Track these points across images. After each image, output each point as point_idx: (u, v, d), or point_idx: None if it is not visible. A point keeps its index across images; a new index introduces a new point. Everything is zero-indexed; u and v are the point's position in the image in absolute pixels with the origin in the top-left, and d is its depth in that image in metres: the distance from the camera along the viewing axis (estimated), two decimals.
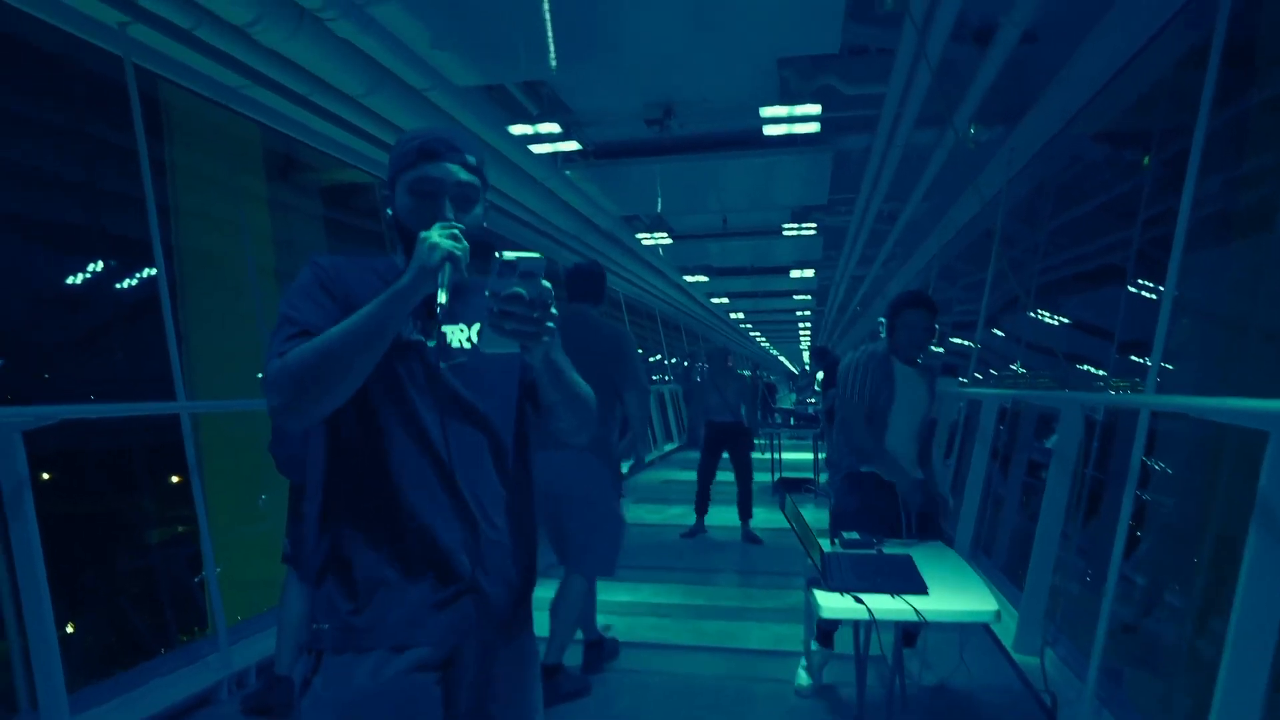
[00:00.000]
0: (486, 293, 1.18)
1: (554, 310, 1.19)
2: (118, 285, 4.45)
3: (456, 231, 1.26)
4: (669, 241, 11.04)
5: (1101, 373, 4.56)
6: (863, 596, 2.23)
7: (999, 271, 6.31)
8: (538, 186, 7.09)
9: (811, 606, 2.35)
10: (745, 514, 6.55)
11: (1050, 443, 4.84)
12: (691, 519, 6.81)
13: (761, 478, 7.90)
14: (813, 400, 14.32)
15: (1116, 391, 4.13)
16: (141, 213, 3.83)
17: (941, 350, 8.41)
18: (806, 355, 35.64)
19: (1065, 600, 3.72)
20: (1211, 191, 3.19)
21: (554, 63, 4.85)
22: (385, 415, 1.33)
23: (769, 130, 6.07)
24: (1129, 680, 3.19)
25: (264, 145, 5.20)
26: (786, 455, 10.09)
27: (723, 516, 6.82)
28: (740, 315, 25.39)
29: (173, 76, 4.18)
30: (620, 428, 3.56)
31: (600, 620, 3.80)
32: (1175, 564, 3.24)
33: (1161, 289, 3.29)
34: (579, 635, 3.55)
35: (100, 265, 4.26)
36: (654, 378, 15.53)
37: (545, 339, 1.20)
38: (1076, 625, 3.56)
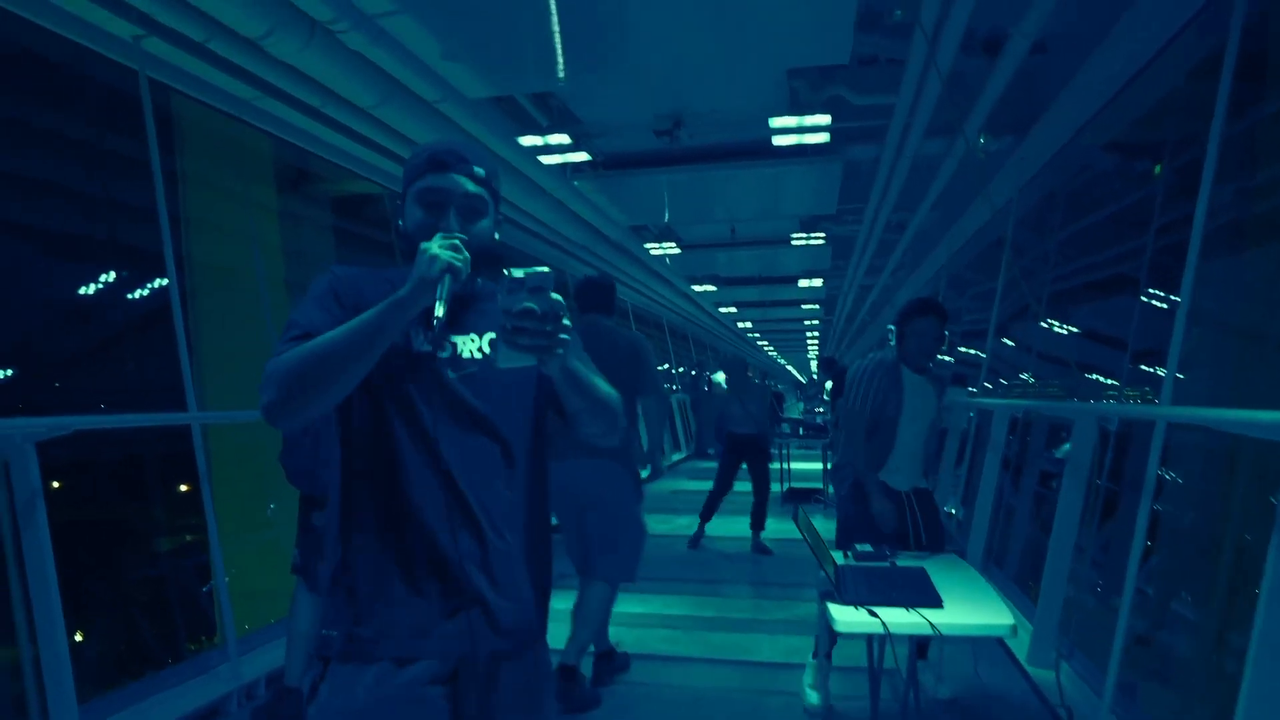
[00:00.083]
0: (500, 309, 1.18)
1: (566, 321, 1.19)
2: (129, 295, 4.47)
3: (458, 242, 1.27)
4: (677, 251, 11.05)
5: (1112, 382, 4.53)
6: (877, 610, 2.21)
7: (1009, 280, 6.28)
8: (547, 197, 7.11)
9: (825, 619, 2.33)
10: (758, 525, 6.49)
11: (1060, 452, 4.81)
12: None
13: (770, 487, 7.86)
14: (821, 410, 14.27)
15: (1130, 401, 4.10)
16: (153, 224, 3.85)
17: (951, 360, 8.38)
18: (815, 365, 35.56)
19: (1079, 613, 3.68)
20: (1224, 201, 3.18)
21: (564, 74, 4.86)
22: (395, 426, 1.34)
23: (778, 141, 6.07)
24: (1143, 694, 3.15)
25: (275, 156, 5.23)
26: (795, 465, 10.05)
27: (732, 527, 6.79)
28: (748, 324, 25.36)
29: (186, 89, 4.21)
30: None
31: (610, 633, 3.79)
32: (1189, 576, 3.21)
33: (1173, 298, 3.27)
34: (590, 648, 3.53)
35: (112, 275, 4.28)
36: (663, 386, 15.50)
37: (559, 351, 1.20)
38: (1090, 637, 3.52)
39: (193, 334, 3.99)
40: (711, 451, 13.83)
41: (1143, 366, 4.01)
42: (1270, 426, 1.99)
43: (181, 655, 4.07)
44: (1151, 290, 3.94)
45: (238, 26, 3.60)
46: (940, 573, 2.59)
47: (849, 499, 3.31)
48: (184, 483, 4.20)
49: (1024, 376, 6.24)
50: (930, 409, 3.28)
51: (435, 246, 1.24)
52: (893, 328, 3.33)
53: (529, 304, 1.16)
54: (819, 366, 21.20)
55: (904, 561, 2.78)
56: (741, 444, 6.63)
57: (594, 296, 3.54)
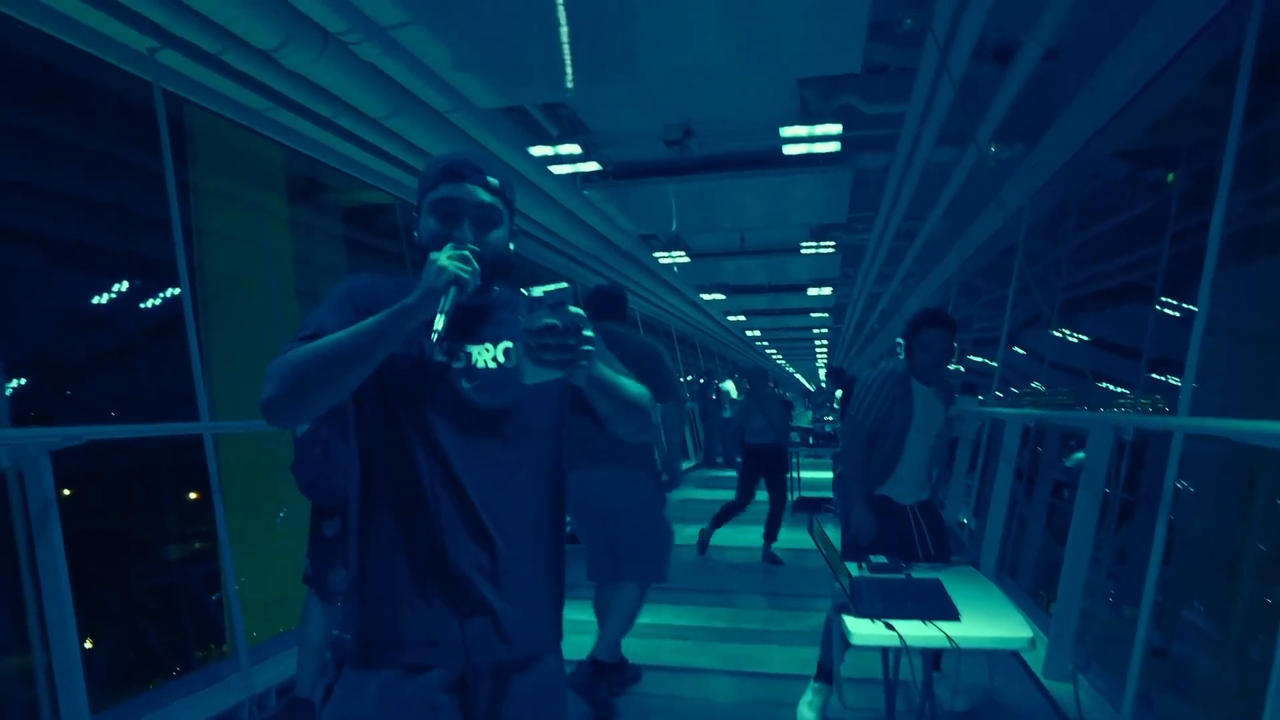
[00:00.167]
0: (521, 327, 1.19)
1: (588, 333, 1.19)
2: (142, 305, 4.49)
3: (467, 254, 1.27)
4: (686, 260, 11.05)
5: (1123, 391, 4.50)
6: (893, 622, 2.19)
7: (1021, 288, 6.25)
8: (557, 207, 7.14)
9: (839, 631, 2.31)
10: (771, 535, 6.45)
11: (1070, 462, 4.77)
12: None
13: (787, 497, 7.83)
14: (829, 419, 14.23)
15: (1143, 410, 4.07)
16: (166, 233, 3.87)
17: (961, 369, 8.34)
18: (824, 373, 35.49)
19: (1094, 624, 3.65)
20: (1238, 209, 3.16)
21: (574, 84, 4.88)
22: (408, 435, 1.34)
23: (789, 150, 6.07)
24: (1160, 706, 3.11)
25: (287, 167, 5.26)
26: (804, 474, 10.01)
27: (742, 537, 6.75)
28: (757, 333, 25.34)
29: (200, 100, 4.24)
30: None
31: (622, 644, 3.76)
32: (1205, 586, 3.17)
33: (1186, 306, 3.25)
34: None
35: (125, 285, 4.30)
36: None
37: (584, 362, 1.20)
38: (1105, 648, 3.48)
39: (205, 343, 4.01)
40: (720, 460, 13.80)
41: (1154, 375, 3.97)
42: None
43: (190, 663, 4.07)
44: (1164, 299, 3.91)
45: (252, 38, 3.62)
46: (956, 585, 2.56)
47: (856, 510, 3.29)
48: (194, 491, 4.21)
49: (1035, 385, 6.20)
50: (938, 421, 3.25)
51: (443, 257, 1.24)
52: (901, 341, 3.31)
53: (550, 320, 1.17)
54: (827, 375, 21.15)
55: (919, 573, 2.76)
56: (762, 454, 6.59)
57: (605, 306, 3.57)
